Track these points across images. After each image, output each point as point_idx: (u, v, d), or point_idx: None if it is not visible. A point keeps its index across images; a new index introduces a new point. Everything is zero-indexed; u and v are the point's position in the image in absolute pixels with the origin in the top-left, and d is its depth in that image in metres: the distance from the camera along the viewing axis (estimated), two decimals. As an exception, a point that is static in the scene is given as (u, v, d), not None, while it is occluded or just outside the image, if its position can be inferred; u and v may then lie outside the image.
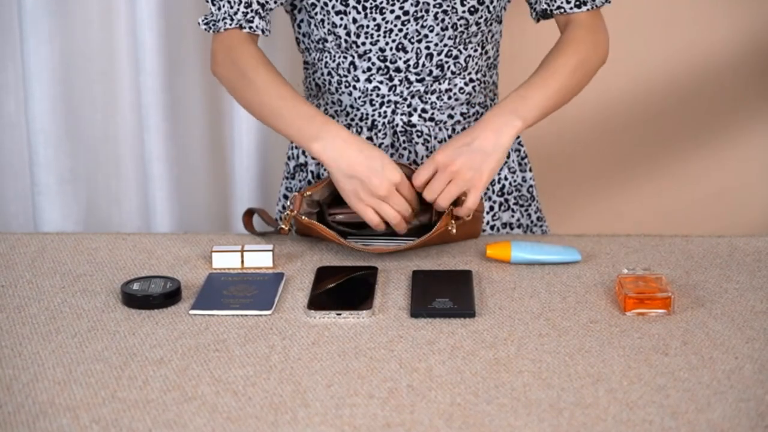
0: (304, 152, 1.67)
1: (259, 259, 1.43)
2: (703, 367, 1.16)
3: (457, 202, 1.44)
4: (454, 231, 1.45)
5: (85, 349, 1.20)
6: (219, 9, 1.51)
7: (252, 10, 1.51)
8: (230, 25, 1.51)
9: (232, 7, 1.50)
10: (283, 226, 1.46)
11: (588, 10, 1.56)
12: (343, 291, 1.37)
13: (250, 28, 1.51)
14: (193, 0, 2.00)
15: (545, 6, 1.57)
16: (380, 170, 1.41)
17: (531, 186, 1.71)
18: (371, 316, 1.29)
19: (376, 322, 1.28)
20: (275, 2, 1.52)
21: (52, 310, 1.31)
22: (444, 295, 1.32)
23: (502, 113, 1.45)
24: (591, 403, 1.08)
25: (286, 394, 1.10)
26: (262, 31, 1.52)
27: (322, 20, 1.55)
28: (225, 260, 1.43)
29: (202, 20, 1.53)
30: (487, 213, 1.65)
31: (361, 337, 1.24)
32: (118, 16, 1.96)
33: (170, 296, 1.32)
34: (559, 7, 1.56)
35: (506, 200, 1.68)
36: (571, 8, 1.56)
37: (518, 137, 1.70)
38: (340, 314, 1.29)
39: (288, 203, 1.47)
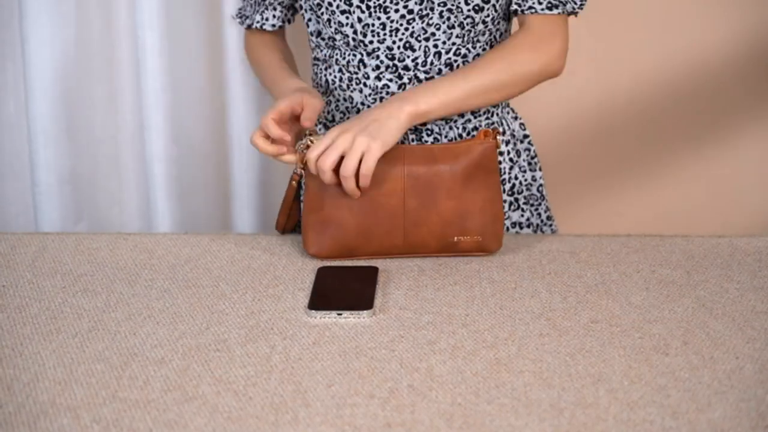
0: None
1: None
2: (703, 367, 1.16)
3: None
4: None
5: (85, 349, 1.20)
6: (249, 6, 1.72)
7: (266, 4, 1.69)
8: (250, 23, 1.70)
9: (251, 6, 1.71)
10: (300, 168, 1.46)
11: (532, 13, 1.53)
12: (344, 291, 1.37)
13: (262, 25, 1.69)
14: (193, 0, 2.00)
15: (515, 6, 1.56)
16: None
17: (541, 185, 1.70)
18: (372, 316, 1.29)
19: (376, 322, 1.28)
20: None
21: (53, 310, 1.31)
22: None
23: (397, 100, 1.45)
24: (592, 403, 1.08)
25: (287, 394, 1.10)
26: (281, 20, 1.69)
27: (329, 20, 1.56)
28: None
29: (236, 14, 1.76)
30: None
31: (362, 337, 1.24)
32: (118, 16, 1.95)
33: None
34: (514, 10, 1.56)
35: (516, 200, 1.68)
36: (524, 10, 1.54)
37: (528, 136, 1.70)
38: (340, 314, 1.29)
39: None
